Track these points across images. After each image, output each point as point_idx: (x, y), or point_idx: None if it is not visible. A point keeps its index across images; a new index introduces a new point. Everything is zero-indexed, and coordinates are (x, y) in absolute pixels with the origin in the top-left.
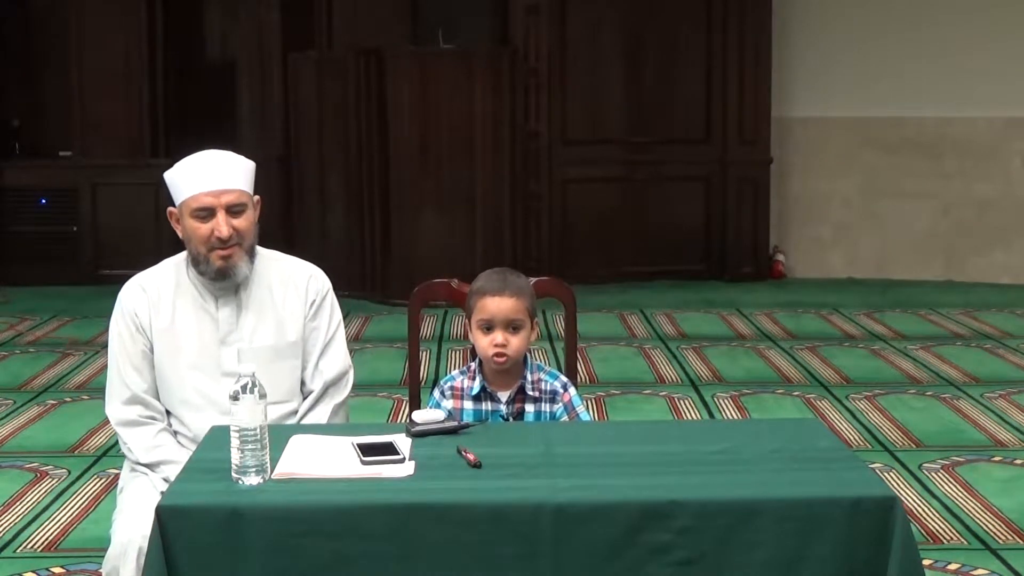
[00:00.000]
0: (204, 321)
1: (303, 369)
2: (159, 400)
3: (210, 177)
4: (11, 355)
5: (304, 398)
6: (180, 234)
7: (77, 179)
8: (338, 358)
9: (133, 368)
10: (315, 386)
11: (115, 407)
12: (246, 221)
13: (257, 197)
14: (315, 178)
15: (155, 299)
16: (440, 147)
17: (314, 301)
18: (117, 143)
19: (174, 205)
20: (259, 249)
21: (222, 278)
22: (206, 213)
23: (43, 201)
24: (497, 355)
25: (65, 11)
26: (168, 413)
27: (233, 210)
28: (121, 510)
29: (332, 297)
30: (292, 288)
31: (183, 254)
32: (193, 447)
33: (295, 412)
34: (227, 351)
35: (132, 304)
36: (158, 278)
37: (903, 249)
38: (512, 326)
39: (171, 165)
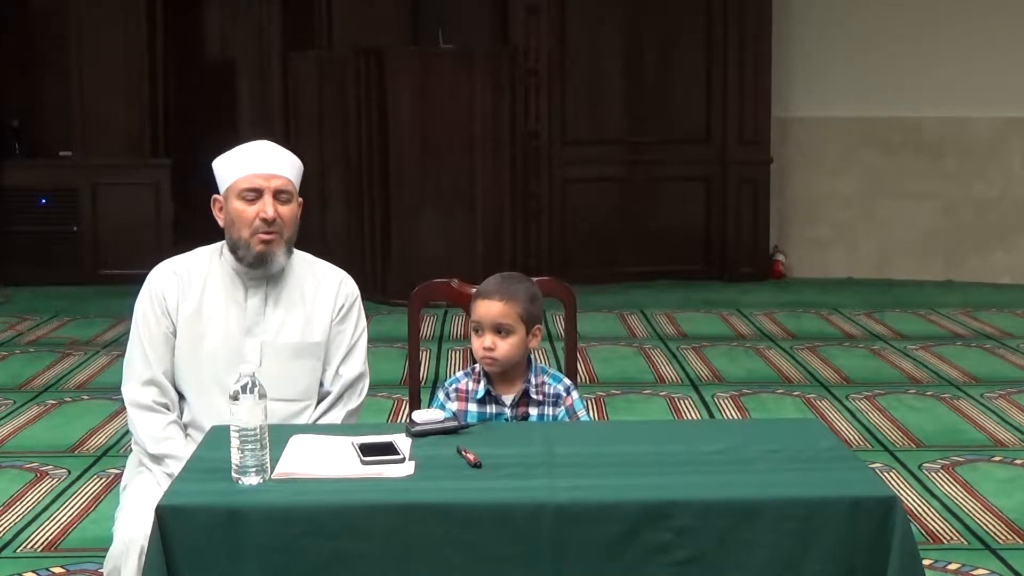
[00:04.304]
0: (232, 310)
1: (323, 372)
2: (174, 385)
3: (261, 161)
4: (11, 355)
5: (320, 400)
6: (221, 222)
7: (77, 179)
8: (357, 364)
9: (153, 350)
10: (333, 389)
11: (132, 387)
12: (290, 211)
13: (301, 199)
14: (315, 178)
15: (185, 283)
16: (440, 147)
17: (343, 305)
18: (117, 143)
19: (219, 193)
20: (295, 250)
21: (260, 264)
22: (254, 195)
23: (43, 201)
24: (484, 358)
25: (65, 11)
26: (181, 398)
27: (280, 197)
28: (124, 508)
29: (360, 304)
30: (323, 290)
31: (219, 244)
32: (201, 436)
33: (310, 412)
34: (251, 342)
35: (161, 286)
36: (191, 263)
37: (903, 249)
38: (500, 330)
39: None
